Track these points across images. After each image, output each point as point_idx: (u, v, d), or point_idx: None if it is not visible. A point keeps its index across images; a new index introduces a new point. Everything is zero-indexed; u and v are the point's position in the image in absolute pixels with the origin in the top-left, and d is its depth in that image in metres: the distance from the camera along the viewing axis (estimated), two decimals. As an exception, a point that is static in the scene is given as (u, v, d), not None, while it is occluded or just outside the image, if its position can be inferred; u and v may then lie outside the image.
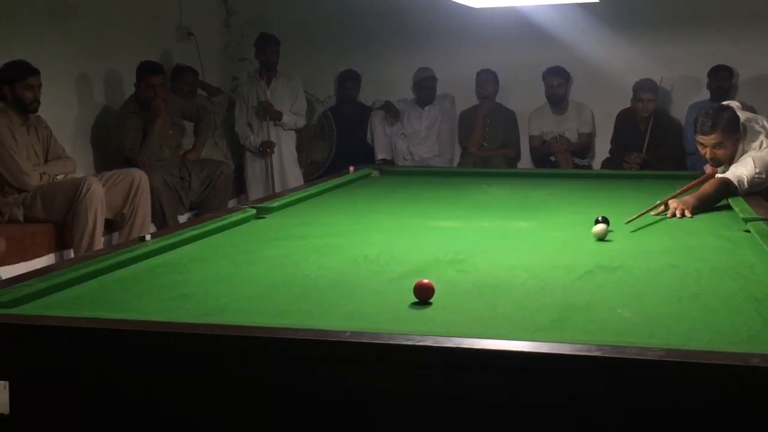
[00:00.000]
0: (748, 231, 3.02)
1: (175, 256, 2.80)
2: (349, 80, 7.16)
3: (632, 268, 2.59)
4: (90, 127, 5.96)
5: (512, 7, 5.92)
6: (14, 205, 4.91)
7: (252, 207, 3.56)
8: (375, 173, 4.83)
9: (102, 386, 1.97)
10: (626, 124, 6.47)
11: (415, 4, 6.79)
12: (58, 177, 5.08)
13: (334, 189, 4.31)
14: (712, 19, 6.59)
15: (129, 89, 5.95)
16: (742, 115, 3.84)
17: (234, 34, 7.43)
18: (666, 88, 6.52)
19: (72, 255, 4.83)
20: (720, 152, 3.76)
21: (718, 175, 3.79)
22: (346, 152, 6.85)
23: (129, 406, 1.97)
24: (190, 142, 6.30)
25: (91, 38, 5.89)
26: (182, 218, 5.84)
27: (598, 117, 6.82)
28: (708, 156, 3.80)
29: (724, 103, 4.13)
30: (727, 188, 3.64)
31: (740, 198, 3.60)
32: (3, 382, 2.05)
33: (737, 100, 4.68)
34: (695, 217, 3.42)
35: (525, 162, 6.93)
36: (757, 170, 3.66)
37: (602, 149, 6.75)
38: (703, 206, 3.52)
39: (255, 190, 6.73)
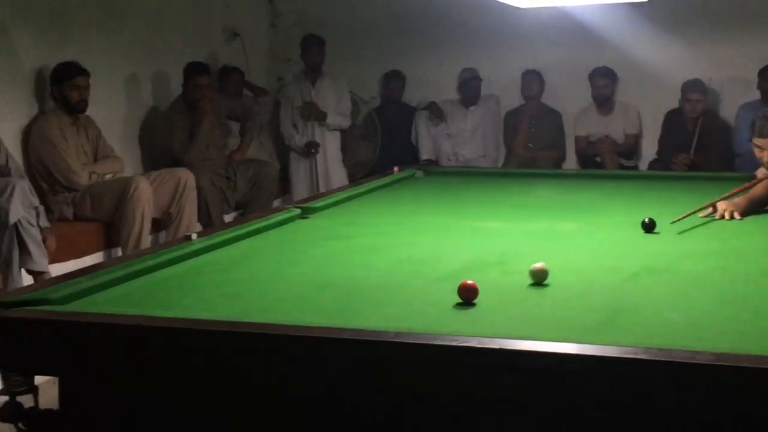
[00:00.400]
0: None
1: (220, 255, 2.82)
2: (393, 81, 7.16)
3: (680, 271, 2.55)
4: (138, 127, 6.04)
5: (558, 6, 5.88)
6: (64, 203, 4.99)
7: (297, 207, 3.58)
8: (419, 174, 4.82)
9: (148, 383, 1.99)
10: (674, 124, 6.39)
11: (460, 4, 6.76)
12: (106, 176, 5.16)
13: (379, 189, 4.31)
14: (762, 18, 6.47)
15: (176, 90, 6.01)
16: None
17: (280, 35, 7.48)
18: (715, 88, 6.42)
19: (120, 253, 4.90)
20: None
21: (771, 178, 3.71)
22: (390, 153, 6.85)
23: (175, 402, 1.99)
24: (236, 143, 6.35)
25: (140, 40, 5.97)
26: (228, 218, 5.89)
27: (646, 118, 6.74)
28: (766, 159, 3.71)
29: None
30: None
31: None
32: (53, 378, 2.08)
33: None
34: (744, 219, 3.36)
35: (570, 163, 6.87)
36: None
37: (649, 150, 6.67)
38: (754, 209, 3.45)
39: (299, 190, 6.76)
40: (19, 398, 2.05)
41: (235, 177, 6.03)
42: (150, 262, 2.57)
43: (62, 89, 4.95)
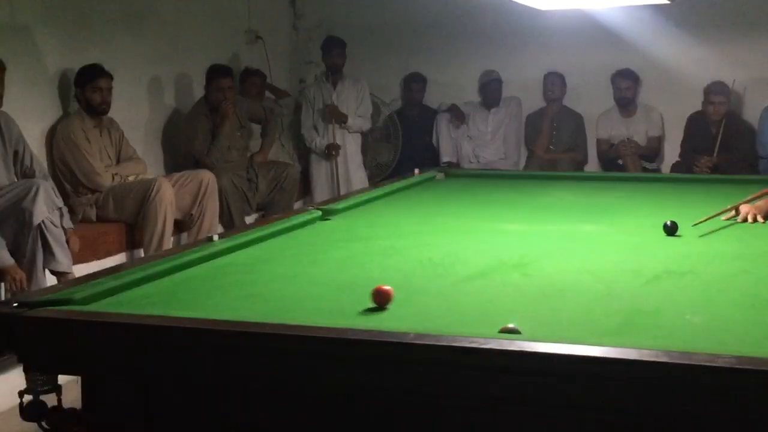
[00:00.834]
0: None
1: (242, 256, 2.84)
2: (414, 83, 7.16)
3: (702, 274, 2.54)
4: (161, 129, 6.08)
5: (580, 8, 5.86)
6: (87, 204, 5.03)
7: (317, 208, 3.59)
8: (440, 176, 4.81)
9: (170, 383, 2.01)
10: (697, 127, 6.35)
11: (481, 6, 6.76)
12: (129, 178, 5.19)
13: (399, 191, 4.31)
14: (786, 20, 6.43)
15: (199, 92, 6.05)
16: None
17: (302, 38, 7.51)
18: (738, 90, 6.38)
19: (142, 254, 4.93)
20: None
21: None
22: (411, 155, 6.85)
23: (196, 403, 2.00)
24: (257, 144, 6.37)
25: (162, 43, 6.01)
26: (249, 219, 5.91)
27: (668, 120, 6.70)
28: None
29: None
30: None
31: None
32: (76, 377, 2.10)
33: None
34: (768, 222, 3.34)
35: (592, 165, 6.84)
36: None
37: (672, 153, 6.63)
38: (778, 212, 3.42)
39: (320, 192, 6.78)
40: (43, 397, 2.07)
41: (257, 179, 6.05)
42: (172, 263, 2.59)
43: (85, 91, 5.00)
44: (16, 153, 4.46)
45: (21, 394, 2.06)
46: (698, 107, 6.37)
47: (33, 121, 4.93)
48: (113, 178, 5.09)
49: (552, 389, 1.72)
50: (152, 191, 4.92)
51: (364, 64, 7.15)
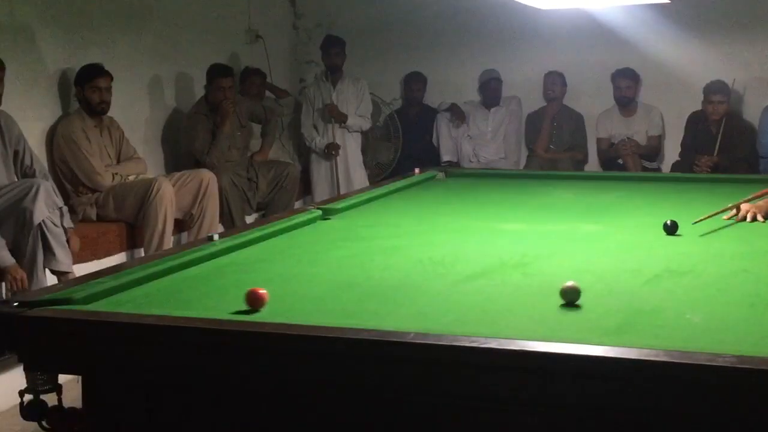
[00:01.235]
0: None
1: (242, 256, 2.84)
2: (414, 82, 7.16)
3: (702, 273, 2.54)
4: (161, 128, 6.08)
5: (580, 8, 5.86)
6: (87, 204, 5.03)
7: (318, 208, 3.59)
8: (440, 175, 4.81)
9: (171, 382, 2.01)
10: (697, 126, 6.35)
11: (481, 5, 6.76)
12: (129, 177, 5.19)
13: (400, 191, 4.31)
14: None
15: (199, 91, 6.05)
16: None
17: (302, 37, 7.51)
18: (738, 90, 6.38)
19: (142, 254, 4.93)
20: None
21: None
22: (411, 154, 6.86)
23: (196, 402, 2.01)
24: (257, 144, 6.38)
25: (162, 42, 6.01)
26: (249, 219, 5.92)
27: (669, 119, 6.70)
28: None
29: None
30: None
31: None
32: (76, 377, 2.10)
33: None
34: (768, 221, 3.34)
35: (592, 165, 6.84)
36: None
37: (672, 152, 6.63)
38: (778, 211, 3.42)
39: (320, 192, 6.78)
40: (43, 397, 2.07)
41: (257, 178, 6.05)
42: (172, 263, 2.59)
43: (84, 91, 5.00)
44: (16, 152, 4.46)
45: (21, 393, 2.06)
46: (698, 107, 6.36)
47: (33, 121, 4.93)
48: (113, 177, 5.10)
49: (552, 389, 1.72)
50: (152, 191, 4.92)
51: (365, 64, 7.15)
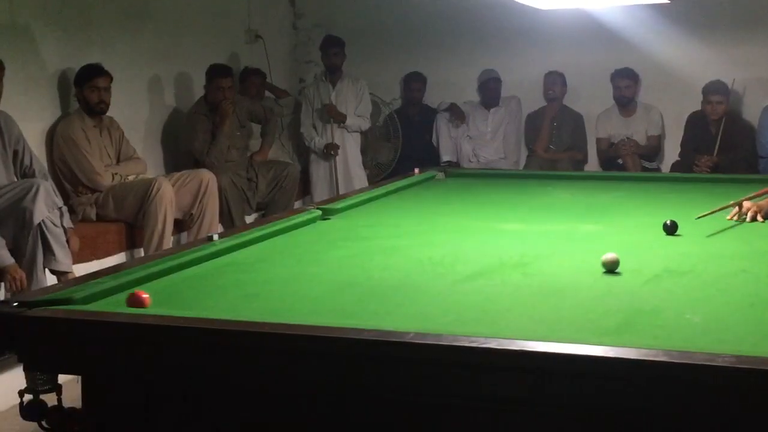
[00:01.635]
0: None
1: (241, 256, 2.84)
2: (414, 82, 7.16)
3: (702, 273, 2.54)
4: (161, 128, 6.08)
5: (579, 8, 5.85)
6: (87, 204, 5.03)
7: (317, 208, 3.59)
8: (440, 175, 4.81)
9: (170, 383, 2.01)
10: (697, 126, 6.35)
11: (481, 5, 6.76)
12: (129, 177, 5.19)
13: (399, 191, 4.31)
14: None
15: (198, 92, 6.05)
16: None
17: (301, 37, 7.50)
18: (738, 90, 6.38)
19: (142, 254, 4.93)
20: None
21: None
22: (411, 154, 6.85)
23: (196, 402, 2.01)
24: (257, 144, 6.38)
25: (162, 42, 6.00)
26: (249, 219, 5.92)
27: (668, 119, 6.70)
28: None
29: None
30: None
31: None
32: (76, 377, 2.10)
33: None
34: (768, 222, 3.34)
35: (592, 165, 6.84)
36: None
37: (672, 152, 6.63)
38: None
39: (319, 192, 6.78)
40: (43, 397, 2.07)
41: (257, 178, 6.05)
42: (172, 263, 2.59)
43: (83, 91, 5.00)
44: (15, 153, 4.46)
45: (21, 393, 2.06)
46: (698, 106, 6.36)
47: (33, 121, 4.93)
48: (113, 177, 5.10)
49: (551, 389, 1.72)
50: (152, 191, 4.92)
51: (364, 64, 7.15)
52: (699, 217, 3.17)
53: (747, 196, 3.50)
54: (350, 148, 6.84)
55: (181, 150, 5.98)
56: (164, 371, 1.99)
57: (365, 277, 2.53)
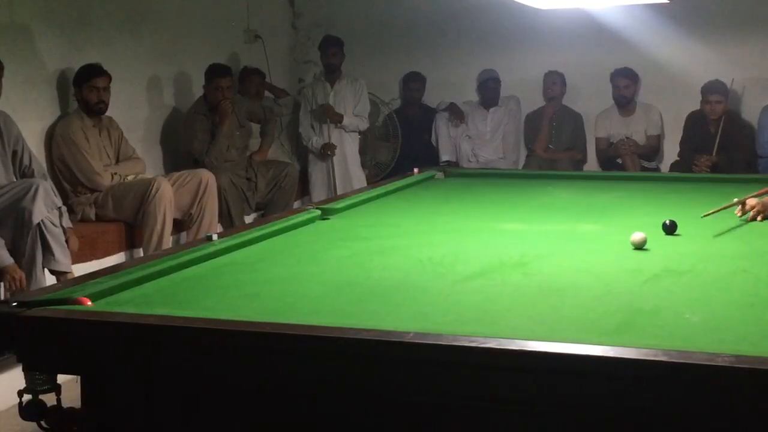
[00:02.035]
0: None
1: (241, 255, 2.84)
2: (413, 82, 7.16)
3: (701, 273, 2.54)
4: (160, 128, 6.08)
5: (578, 8, 5.85)
6: (86, 204, 5.03)
7: (317, 208, 3.59)
8: (439, 175, 4.81)
9: (170, 382, 2.01)
10: (696, 126, 6.35)
11: (480, 5, 6.76)
12: (128, 177, 5.19)
13: (399, 191, 4.31)
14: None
15: (198, 91, 6.05)
16: None
17: (301, 37, 7.51)
18: (737, 89, 6.38)
19: (141, 254, 4.93)
20: None
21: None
22: (410, 154, 6.85)
23: (196, 402, 2.00)
24: (256, 144, 6.38)
25: (161, 42, 6.01)
26: (248, 218, 5.92)
27: (668, 119, 6.71)
28: None
29: None
30: None
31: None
32: (75, 377, 2.10)
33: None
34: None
35: (591, 164, 6.85)
36: None
37: (671, 152, 6.63)
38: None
39: (318, 192, 6.78)
40: (42, 397, 2.07)
41: (256, 178, 6.05)
42: (171, 263, 2.59)
43: (82, 91, 5.00)
44: (15, 152, 4.46)
45: (20, 393, 2.06)
46: (697, 106, 6.36)
47: (32, 121, 4.93)
48: (112, 177, 5.10)
49: (552, 389, 1.72)
50: (151, 190, 4.92)
51: (364, 64, 7.15)
52: (705, 216, 3.17)
53: (751, 195, 3.49)
54: (349, 148, 6.84)
55: (180, 150, 5.98)
56: (164, 371, 1.99)
57: (365, 277, 2.53)
